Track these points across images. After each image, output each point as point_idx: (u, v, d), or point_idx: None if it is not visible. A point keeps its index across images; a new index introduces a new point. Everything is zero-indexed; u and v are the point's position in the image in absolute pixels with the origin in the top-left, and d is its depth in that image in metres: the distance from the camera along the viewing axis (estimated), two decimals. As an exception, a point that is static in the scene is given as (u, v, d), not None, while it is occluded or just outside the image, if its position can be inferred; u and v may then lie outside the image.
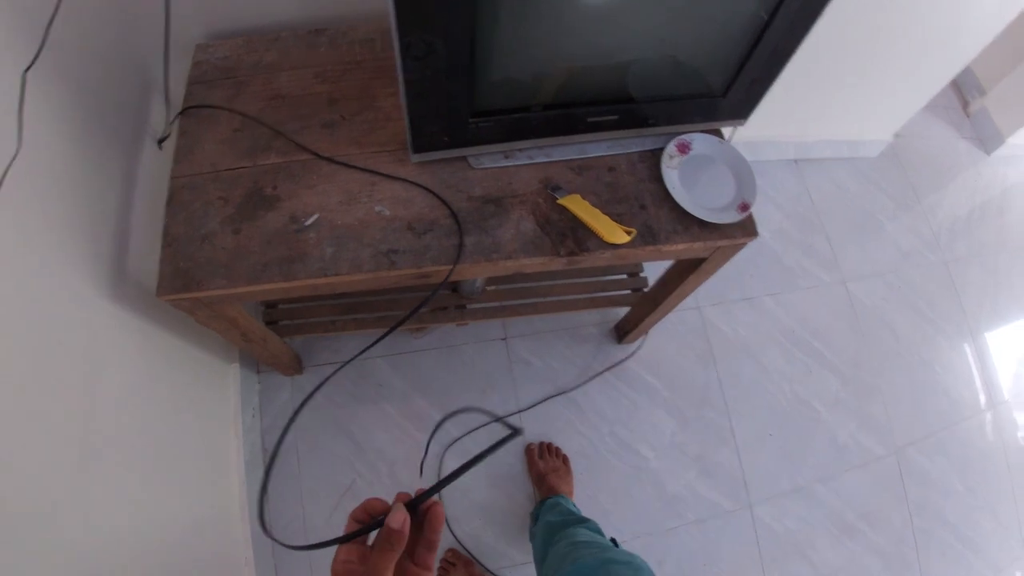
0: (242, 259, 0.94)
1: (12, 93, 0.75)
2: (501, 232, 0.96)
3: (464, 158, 1.01)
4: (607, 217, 0.96)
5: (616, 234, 0.95)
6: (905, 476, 1.63)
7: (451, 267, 0.93)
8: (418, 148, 0.95)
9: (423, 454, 1.49)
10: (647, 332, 1.62)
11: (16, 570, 0.72)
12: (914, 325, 1.80)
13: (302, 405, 0.59)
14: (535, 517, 1.36)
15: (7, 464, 0.73)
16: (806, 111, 1.74)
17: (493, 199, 0.99)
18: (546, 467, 1.46)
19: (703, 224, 0.99)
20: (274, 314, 1.43)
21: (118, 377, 0.99)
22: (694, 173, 1.04)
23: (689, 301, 1.72)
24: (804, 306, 1.77)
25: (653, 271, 1.40)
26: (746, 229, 1.01)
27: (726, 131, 1.10)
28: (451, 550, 1.44)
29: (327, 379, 0.60)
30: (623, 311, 1.62)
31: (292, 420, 0.58)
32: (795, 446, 1.60)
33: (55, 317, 0.85)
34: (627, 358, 1.64)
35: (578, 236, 0.97)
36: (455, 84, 0.85)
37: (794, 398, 1.66)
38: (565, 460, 1.51)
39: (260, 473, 1.47)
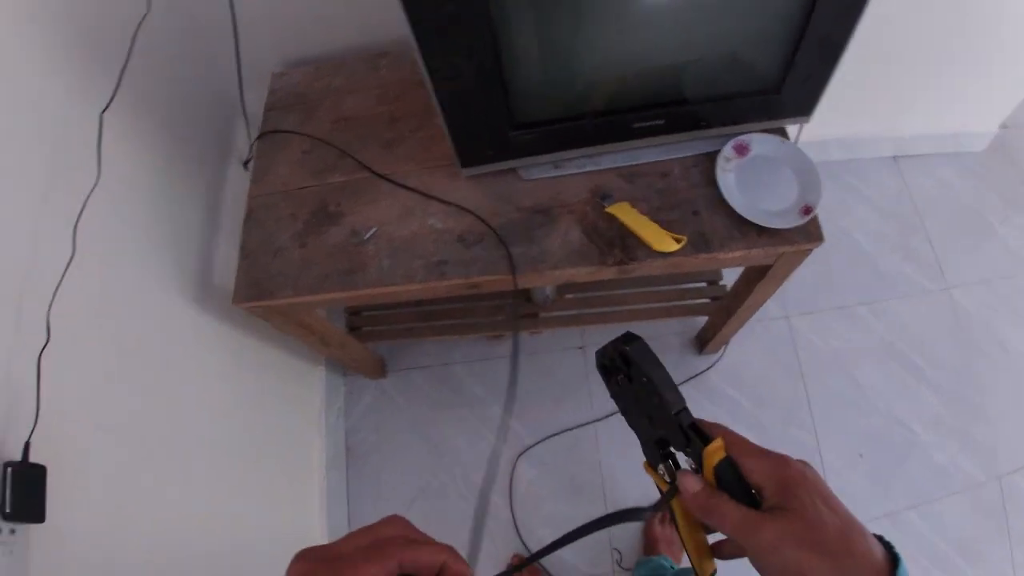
0: (307, 270, 1.01)
1: (92, 132, 0.85)
2: (548, 242, 0.97)
3: (514, 170, 1.03)
4: (655, 225, 0.94)
5: (664, 242, 0.93)
6: (1008, 505, 1.45)
7: (502, 277, 0.95)
8: (465, 163, 0.98)
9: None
10: (728, 341, 1.56)
11: (117, 545, 0.81)
12: (1029, 337, 1.61)
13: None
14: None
15: (105, 456, 0.83)
16: (898, 102, 1.60)
17: (542, 209, 1.00)
18: (662, 534, 1.42)
19: (762, 230, 0.94)
20: (357, 320, 1.51)
21: (204, 379, 1.10)
22: (753, 176, 0.99)
23: (775, 310, 1.63)
24: (903, 316, 1.63)
25: (733, 279, 1.34)
26: (810, 234, 0.95)
27: (792, 130, 1.04)
28: (517, 556, 1.45)
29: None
30: (704, 320, 1.56)
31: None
32: (888, 469, 1.47)
33: (144, 324, 0.95)
34: (707, 369, 1.58)
35: (627, 245, 0.95)
36: (489, 100, 0.87)
37: (889, 416, 1.53)
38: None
39: (342, 472, 1.56)
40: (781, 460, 0.40)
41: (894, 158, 1.80)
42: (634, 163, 1.02)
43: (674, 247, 0.93)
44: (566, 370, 1.60)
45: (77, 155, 0.84)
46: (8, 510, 0.66)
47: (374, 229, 1.02)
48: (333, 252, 1.02)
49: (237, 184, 1.22)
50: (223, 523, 1.09)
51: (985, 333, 1.60)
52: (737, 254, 0.95)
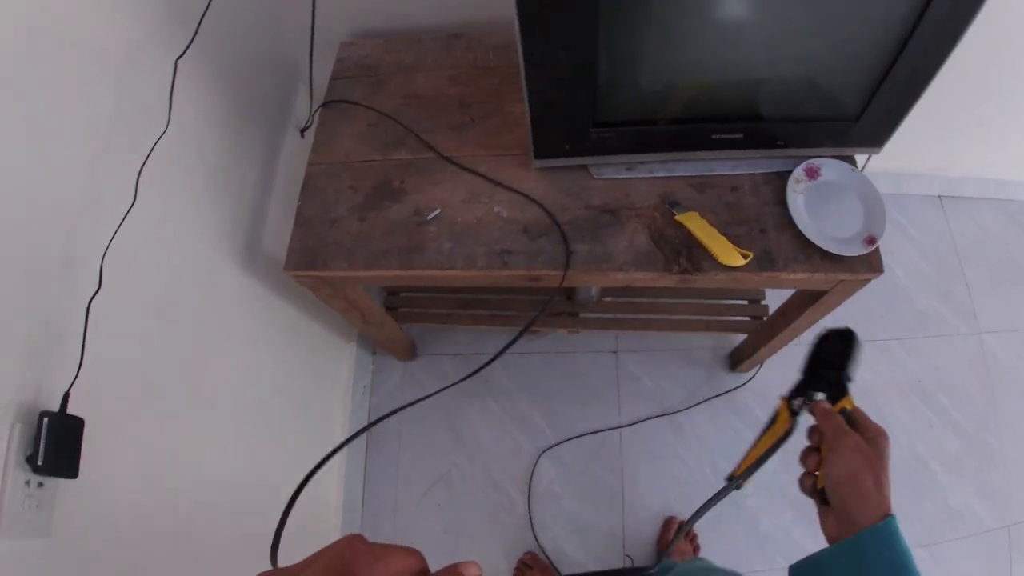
0: (365, 245, 1.00)
1: (165, 78, 0.84)
2: (614, 243, 0.96)
3: (585, 167, 1.02)
4: (724, 237, 0.94)
5: (732, 256, 0.92)
6: (1014, 553, 1.45)
7: (562, 272, 0.94)
8: (540, 154, 0.97)
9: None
10: (762, 363, 1.55)
11: (146, 503, 0.80)
12: (1056, 392, 1.61)
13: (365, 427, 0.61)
14: None
15: (143, 413, 0.82)
16: (954, 144, 1.60)
17: (610, 209, 0.99)
18: (676, 548, 1.42)
19: (825, 255, 0.94)
20: (395, 301, 1.51)
21: (241, 342, 1.09)
22: (821, 200, 0.98)
23: (810, 336, 1.63)
24: (934, 356, 1.62)
25: (774, 301, 1.34)
26: (871, 264, 0.95)
27: (860, 159, 1.04)
28: (530, 553, 1.45)
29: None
30: (738, 338, 1.56)
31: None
32: (903, 506, 1.44)
33: (189, 280, 0.94)
34: (739, 387, 1.57)
35: (692, 255, 0.95)
36: (578, 94, 0.86)
37: (911, 454, 1.53)
38: (696, 549, 1.47)
39: (362, 450, 1.56)
40: (877, 428, 0.60)
41: (939, 197, 1.79)
42: (706, 174, 1.01)
43: (740, 262, 0.92)
44: (598, 373, 1.60)
45: (148, 100, 0.83)
46: (40, 462, 0.63)
47: (438, 211, 1.01)
48: (393, 229, 1.01)
49: (292, 151, 1.21)
50: (246, 486, 1.09)
51: (1013, 381, 1.60)
52: (800, 276, 0.94)
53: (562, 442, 1.51)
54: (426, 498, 1.49)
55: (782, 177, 1.00)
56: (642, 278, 0.95)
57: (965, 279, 1.71)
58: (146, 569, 0.82)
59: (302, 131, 1.25)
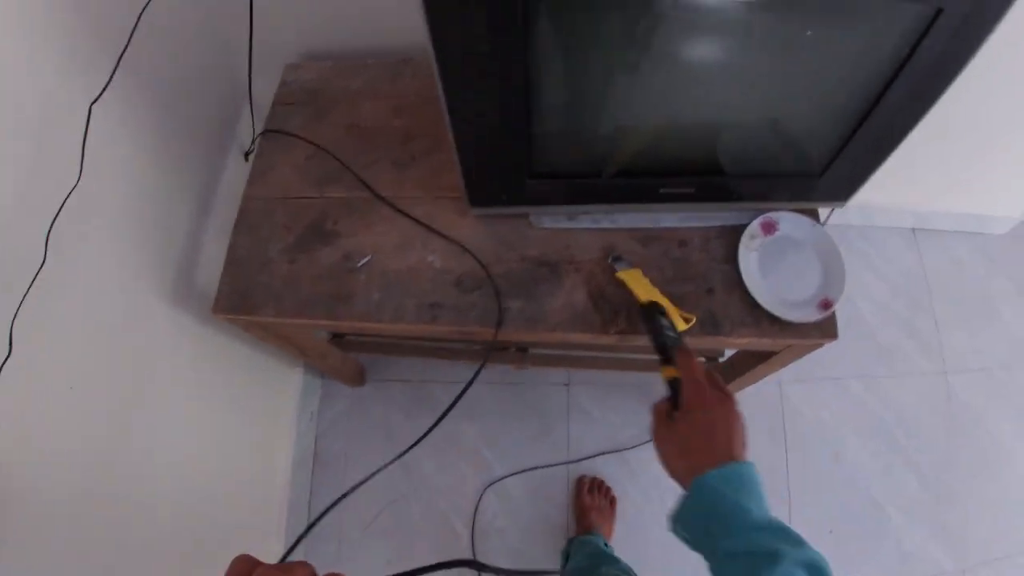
0: (293, 290, 0.95)
1: (78, 125, 0.78)
2: (550, 301, 0.92)
3: (526, 215, 0.97)
4: (667, 299, 0.89)
5: (674, 320, 0.88)
6: None
7: (494, 330, 0.90)
8: (475, 202, 0.92)
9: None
10: (717, 403, 1.52)
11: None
12: (1018, 433, 1.58)
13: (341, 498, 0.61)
14: (565, 556, 1.33)
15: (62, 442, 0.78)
16: (923, 176, 1.54)
17: (548, 263, 0.95)
18: (592, 503, 1.43)
19: (775, 319, 0.90)
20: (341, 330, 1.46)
21: (172, 374, 1.04)
22: (776, 257, 0.94)
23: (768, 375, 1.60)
24: (896, 394, 1.59)
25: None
26: (825, 330, 0.91)
27: (823, 211, 0.99)
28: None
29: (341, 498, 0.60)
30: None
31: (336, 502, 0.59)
32: (856, 549, 1.45)
33: (116, 323, 0.90)
34: None
35: (632, 314, 0.90)
36: (510, 146, 0.81)
37: (866, 496, 1.50)
38: (613, 501, 1.47)
39: (307, 474, 1.52)
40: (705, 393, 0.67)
41: (912, 230, 1.75)
42: (652, 226, 0.96)
43: (682, 326, 0.87)
44: (548, 405, 1.56)
45: (62, 151, 0.77)
46: None
47: (368, 257, 0.96)
48: (322, 275, 0.96)
49: (235, 175, 1.15)
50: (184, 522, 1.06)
51: (975, 423, 1.58)
52: (745, 340, 0.91)
53: (508, 476, 1.48)
54: (373, 525, 1.47)
55: (735, 231, 0.95)
56: (578, 338, 0.91)
57: (934, 314, 1.67)
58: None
59: (246, 155, 1.19)
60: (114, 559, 0.88)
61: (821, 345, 0.93)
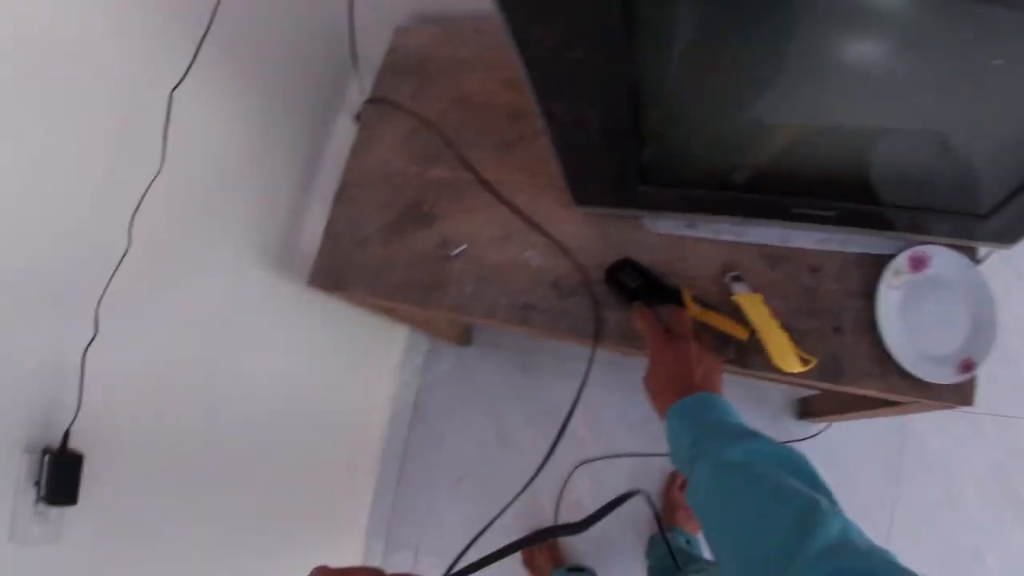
0: (387, 273, 0.94)
1: (159, 109, 0.76)
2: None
3: (638, 215, 0.88)
4: (785, 336, 0.78)
5: (789, 360, 0.77)
6: None
7: (588, 341, 0.84)
8: (580, 202, 0.84)
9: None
10: (833, 423, 1.39)
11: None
12: None
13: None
14: (648, 555, 1.34)
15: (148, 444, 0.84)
16: None
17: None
18: (682, 500, 1.39)
19: (906, 374, 0.77)
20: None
21: (275, 327, 1.09)
22: (920, 299, 0.80)
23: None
24: (1025, 443, 1.39)
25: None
26: (961, 395, 0.77)
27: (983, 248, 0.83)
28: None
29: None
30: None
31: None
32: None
33: (210, 295, 0.93)
34: (802, 439, 1.41)
35: (743, 345, 0.81)
36: (617, 154, 0.72)
37: (969, 545, 1.34)
38: (682, 486, 1.41)
39: (404, 427, 1.58)
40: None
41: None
42: (783, 245, 0.85)
43: (798, 368, 0.77)
44: None
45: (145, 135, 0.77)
46: (43, 494, 0.69)
47: (464, 247, 0.92)
48: (417, 260, 0.93)
49: (341, 142, 1.12)
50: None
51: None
52: (868, 392, 0.79)
53: (602, 457, 1.45)
54: (458, 487, 1.50)
55: (877, 262, 0.82)
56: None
57: (1105, 351, 1.42)
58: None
59: (357, 117, 1.16)
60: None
61: (952, 408, 0.80)
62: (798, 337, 0.79)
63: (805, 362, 0.77)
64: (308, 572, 0.45)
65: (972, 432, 1.40)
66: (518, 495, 0.75)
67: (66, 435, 0.71)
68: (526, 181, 0.94)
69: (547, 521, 1.45)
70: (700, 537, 1.31)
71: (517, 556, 1.43)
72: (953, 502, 1.37)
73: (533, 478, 0.77)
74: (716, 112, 0.70)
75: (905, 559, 1.33)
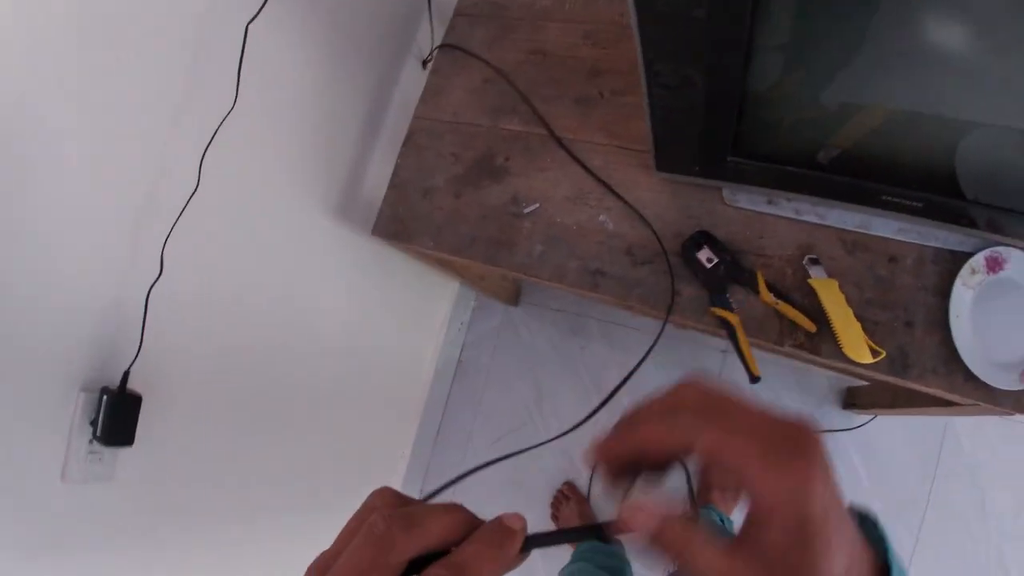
0: (454, 225, 0.92)
1: (234, 44, 0.74)
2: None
3: (719, 187, 0.87)
4: (859, 324, 0.79)
5: (860, 350, 0.78)
6: None
7: (659, 313, 0.84)
8: (662, 167, 0.83)
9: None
10: (877, 414, 1.41)
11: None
12: None
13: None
14: None
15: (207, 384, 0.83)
16: None
17: (733, 249, 0.85)
18: (718, 480, 1.39)
19: (970, 375, 0.78)
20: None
21: (333, 287, 1.09)
22: (994, 301, 0.79)
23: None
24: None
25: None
26: (1020, 403, 0.78)
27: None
28: (568, 483, 1.48)
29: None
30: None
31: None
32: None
33: (274, 235, 0.92)
34: (845, 429, 1.42)
35: (812, 335, 0.81)
36: (715, 121, 0.70)
37: (995, 556, 1.37)
38: None
39: (448, 380, 1.60)
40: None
41: None
42: (863, 231, 0.84)
43: (867, 360, 0.78)
44: (700, 367, 1.49)
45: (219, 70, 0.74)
46: (98, 433, 0.69)
47: (536, 205, 0.90)
48: (487, 215, 0.91)
49: (409, 87, 1.08)
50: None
51: None
52: (932, 390, 0.80)
53: None
54: (493, 447, 1.52)
55: (955, 258, 0.81)
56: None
57: None
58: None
59: (424, 62, 1.11)
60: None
61: (1009, 415, 0.81)
62: (869, 328, 0.79)
63: (875, 354, 0.78)
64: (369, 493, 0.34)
65: (1012, 438, 1.41)
66: (543, 443, 0.70)
67: (125, 375, 0.71)
68: (603, 142, 0.92)
69: (583, 487, 1.47)
70: (734, 517, 1.34)
71: (547, 506, 1.46)
72: (985, 509, 1.40)
73: (565, 433, 0.72)
74: (824, 84, 0.68)
75: (929, 561, 1.36)
